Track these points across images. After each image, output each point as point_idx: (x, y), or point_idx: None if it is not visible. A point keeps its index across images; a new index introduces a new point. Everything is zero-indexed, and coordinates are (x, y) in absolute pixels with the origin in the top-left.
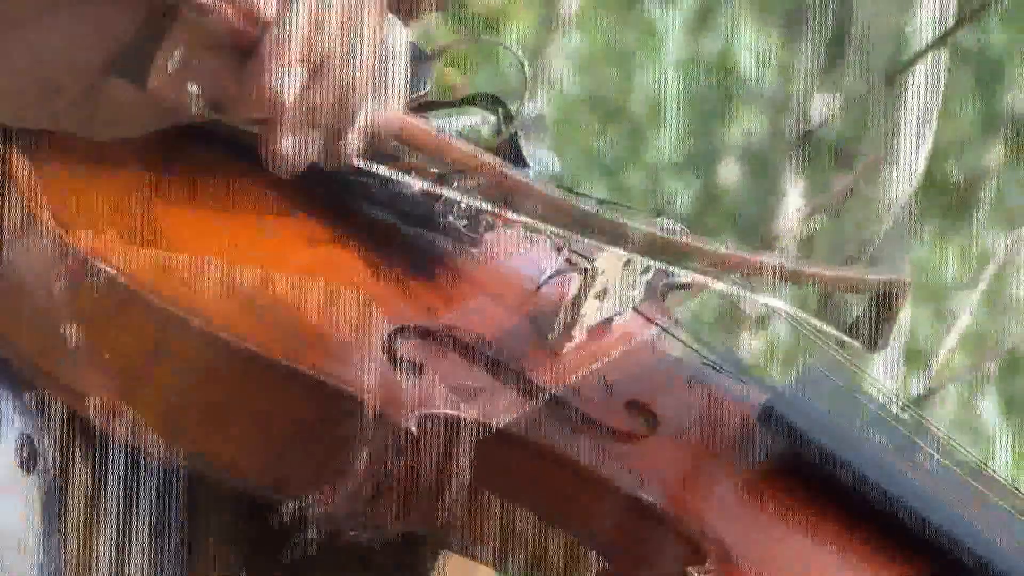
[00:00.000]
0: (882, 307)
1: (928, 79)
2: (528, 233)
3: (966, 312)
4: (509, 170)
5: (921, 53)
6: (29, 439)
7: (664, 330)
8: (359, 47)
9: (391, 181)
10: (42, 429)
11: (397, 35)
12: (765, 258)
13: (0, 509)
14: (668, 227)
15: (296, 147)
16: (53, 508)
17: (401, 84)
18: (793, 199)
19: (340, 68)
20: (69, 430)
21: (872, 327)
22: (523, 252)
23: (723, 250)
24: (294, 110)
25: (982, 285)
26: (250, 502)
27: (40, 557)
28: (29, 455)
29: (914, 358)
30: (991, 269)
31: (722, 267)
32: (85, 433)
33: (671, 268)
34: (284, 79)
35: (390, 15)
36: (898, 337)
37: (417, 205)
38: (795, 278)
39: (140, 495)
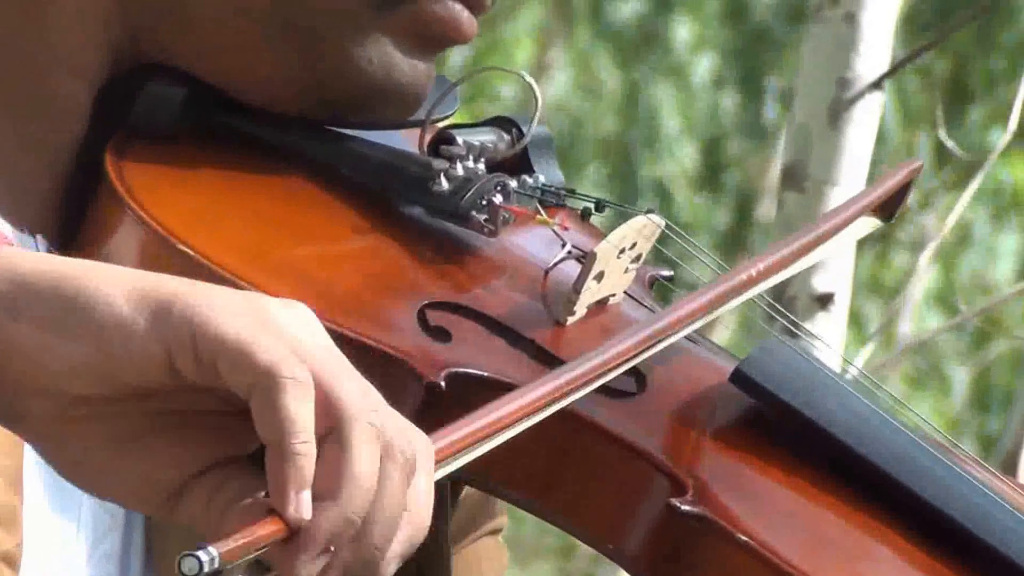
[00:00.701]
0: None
1: (865, 116)
2: (537, 227)
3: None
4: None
5: (858, 95)
6: None
7: (650, 310)
8: (387, 518)
9: (424, 184)
10: None
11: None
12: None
13: None
14: (654, 218)
15: None
16: None
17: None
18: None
19: (370, 532)
20: None
21: (895, 204)
22: (533, 242)
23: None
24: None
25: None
26: None
27: None
28: None
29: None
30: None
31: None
32: None
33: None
34: (313, 567)
35: None
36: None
37: (446, 202)
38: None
39: None
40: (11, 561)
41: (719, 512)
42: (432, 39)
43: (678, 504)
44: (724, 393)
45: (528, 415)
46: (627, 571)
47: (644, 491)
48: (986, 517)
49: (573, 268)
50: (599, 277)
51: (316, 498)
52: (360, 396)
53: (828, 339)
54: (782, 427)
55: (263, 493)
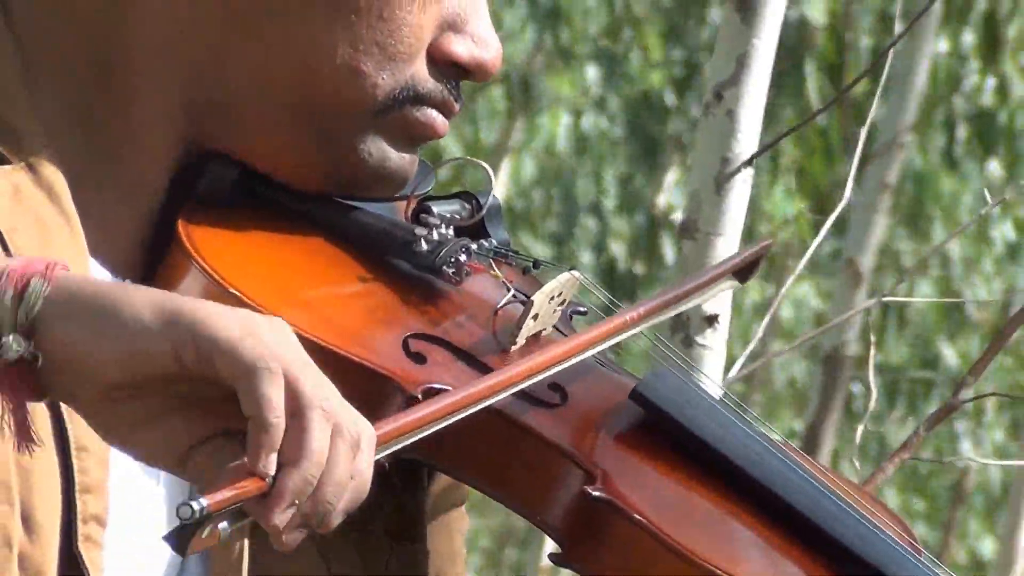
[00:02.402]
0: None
1: (741, 185)
2: (490, 278)
3: (756, 336)
4: (480, 395)
5: (736, 170)
6: None
7: (570, 339)
8: (336, 482)
9: (409, 245)
10: None
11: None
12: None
13: None
14: (576, 274)
15: (292, 539)
16: None
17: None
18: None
19: (323, 492)
20: None
21: (750, 271)
22: (487, 289)
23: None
24: (289, 524)
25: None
26: None
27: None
28: None
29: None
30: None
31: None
32: None
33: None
34: (282, 517)
35: None
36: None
37: (425, 259)
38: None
39: None
40: (101, 522)
41: (619, 497)
42: (415, 137)
43: (589, 490)
44: (625, 407)
45: (452, 413)
46: (552, 539)
47: (564, 479)
48: (819, 504)
49: (516, 309)
50: (535, 317)
51: (283, 465)
52: (316, 387)
53: (715, 350)
54: (668, 434)
55: (246, 459)
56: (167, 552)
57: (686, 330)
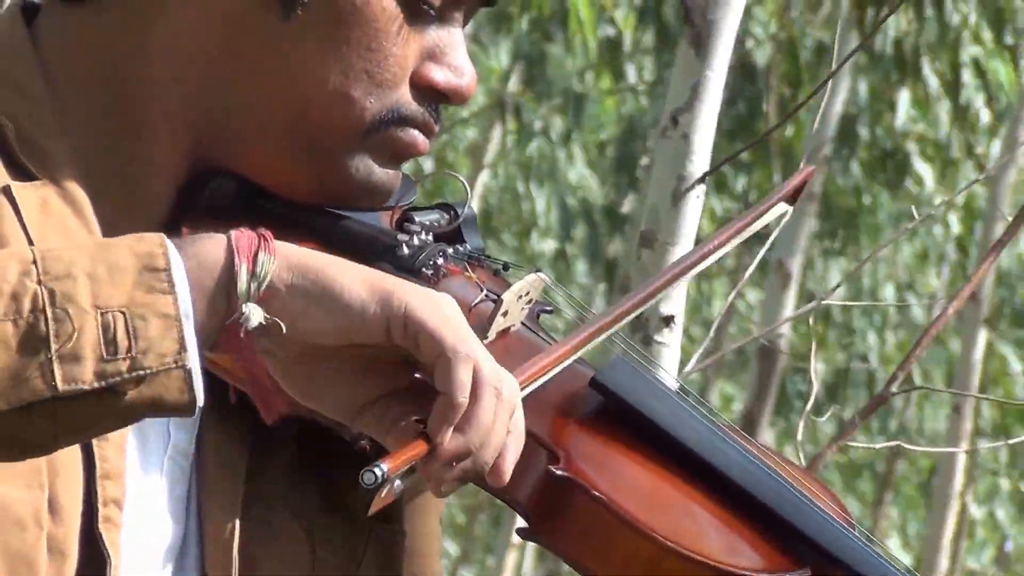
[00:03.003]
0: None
1: (694, 201)
2: (465, 280)
3: (708, 338)
4: (580, 343)
5: (691, 187)
6: None
7: (536, 334)
8: (494, 444)
9: (392, 250)
10: None
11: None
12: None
13: (178, 437)
14: (542, 276)
15: (449, 490)
16: (200, 436)
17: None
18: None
19: (483, 453)
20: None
21: (796, 196)
22: (461, 289)
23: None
24: (450, 479)
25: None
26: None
27: (193, 458)
28: None
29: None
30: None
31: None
32: (215, 393)
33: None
34: (443, 473)
35: None
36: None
37: (406, 263)
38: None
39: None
40: (119, 505)
41: (581, 476)
42: (398, 155)
43: (553, 469)
44: (586, 394)
45: (553, 366)
46: (519, 515)
47: (531, 459)
48: (765, 483)
49: (488, 307)
50: (504, 314)
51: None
52: (492, 370)
53: (671, 347)
54: (625, 419)
55: (414, 418)
56: (169, 535)
57: (645, 330)
